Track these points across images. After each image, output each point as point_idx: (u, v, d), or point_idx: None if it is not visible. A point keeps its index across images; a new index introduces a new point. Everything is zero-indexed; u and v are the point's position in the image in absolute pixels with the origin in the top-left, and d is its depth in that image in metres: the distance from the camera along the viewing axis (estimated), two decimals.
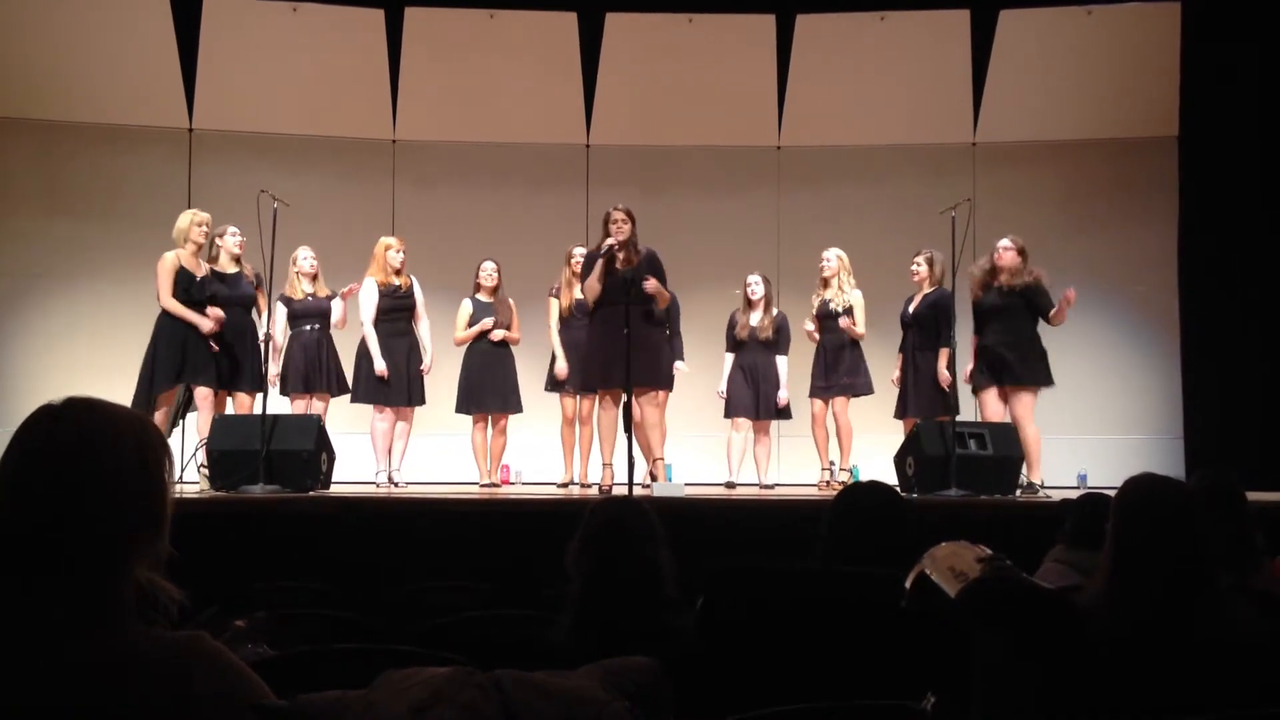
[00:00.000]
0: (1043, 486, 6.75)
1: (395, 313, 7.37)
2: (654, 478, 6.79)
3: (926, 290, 7.33)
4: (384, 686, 1.45)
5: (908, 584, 2.36)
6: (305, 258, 7.36)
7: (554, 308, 7.54)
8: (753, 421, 7.65)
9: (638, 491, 6.09)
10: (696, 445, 8.24)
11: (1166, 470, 2.74)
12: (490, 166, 9.38)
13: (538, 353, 7.80)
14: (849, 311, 7.44)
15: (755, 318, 7.63)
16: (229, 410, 6.92)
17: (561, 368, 7.42)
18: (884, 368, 7.71)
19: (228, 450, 6.36)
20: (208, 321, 6.65)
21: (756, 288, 7.65)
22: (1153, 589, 2.26)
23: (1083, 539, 3.37)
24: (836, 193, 9.41)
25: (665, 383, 6.99)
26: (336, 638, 2.72)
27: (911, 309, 7.38)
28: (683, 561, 2.58)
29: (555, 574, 2.65)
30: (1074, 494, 4.61)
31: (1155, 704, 2.05)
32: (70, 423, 1.48)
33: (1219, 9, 8.69)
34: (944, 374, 7.02)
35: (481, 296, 7.61)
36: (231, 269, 6.99)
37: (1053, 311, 6.80)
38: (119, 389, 6.58)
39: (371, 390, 7.34)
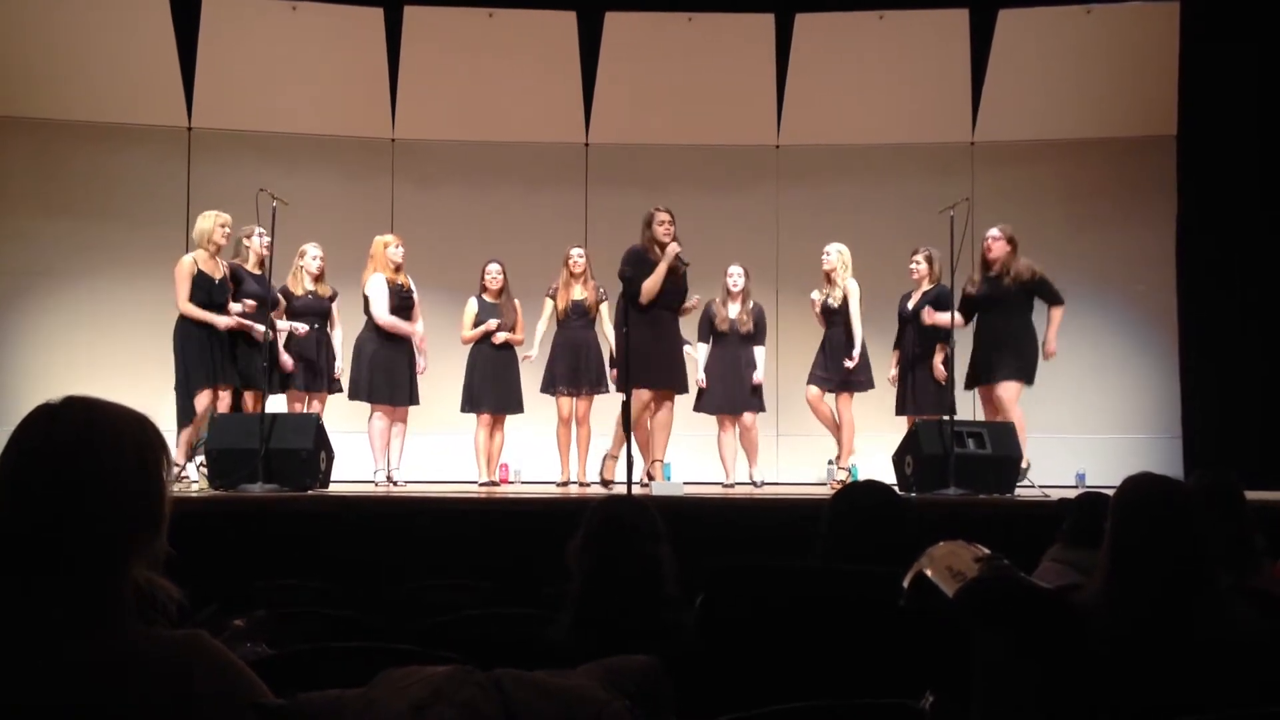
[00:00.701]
0: (1028, 468, 6.76)
1: (400, 311, 7.37)
2: (651, 477, 6.80)
3: (926, 288, 7.34)
4: (383, 685, 1.45)
5: (906, 583, 2.36)
6: (313, 256, 7.33)
7: (548, 308, 7.54)
8: (732, 416, 7.62)
9: (636, 491, 6.09)
10: (693, 444, 8.24)
11: (1165, 470, 2.74)
12: (489, 165, 9.38)
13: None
14: (844, 306, 7.43)
15: (734, 310, 7.60)
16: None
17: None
18: (882, 366, 7.71)
19: (226, 449, 6.36)
20: (225, 319, 6.66)
21: (738, 280, 7.62)
22: (1151, 588, 2.26)
23: (1081, 538, 3.37)
24: (835, 191, 9.40)
25: (684, 386, 7.18)
26: (336, 636, 2.72)
27: (911, 305, 7.39)
28: (682, 560, 2.58)
29: (554, 573, 2.65)
30: (1072, 493, 4.61)
31: (1154, 704, 2.05)
32: (68, 422, 1.48)
33: (1218, 9, 8.68)
34: (940, 370, 7.03)
35: (487, 297, 7.62)
36: (257, 270, 7.00)
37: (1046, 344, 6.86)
38: (118, 387, 6.52)
39: (371, 388, 7.33)
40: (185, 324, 6.69)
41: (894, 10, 9.20)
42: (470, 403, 7.56)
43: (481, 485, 7.46)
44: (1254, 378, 8.58)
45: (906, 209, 8.75)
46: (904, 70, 9.30)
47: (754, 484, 7.66)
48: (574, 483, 7.45)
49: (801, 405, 7.79)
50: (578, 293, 7.50)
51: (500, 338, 7.49)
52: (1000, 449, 6.52)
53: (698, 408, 7.69)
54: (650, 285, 6.78)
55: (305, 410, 7.23)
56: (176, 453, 6.54)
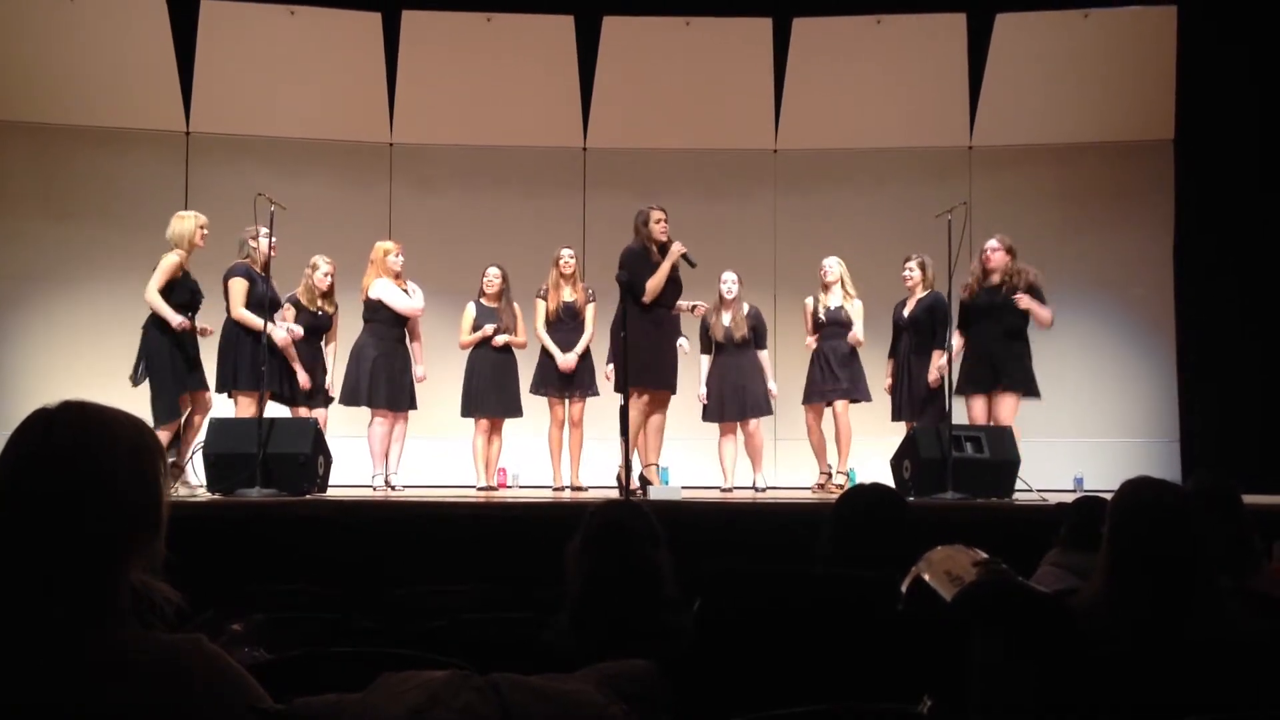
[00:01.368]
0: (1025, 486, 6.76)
1: (394, 315, 7.36)
2: (647, 481, 6.80)
3: (921, 294, 7.35)
4: (381, 689, 1.45)
5: (904, 587, 2.36)
6: (324, 273, 7.25)
7: (540, 309, 7.55)
8: (734, 424, 7.62)
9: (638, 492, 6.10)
10: (691, 448, 8.24)
11: (1163, 473, 2.74)
12: (487, 170, 9.38)
13: (529, 355, 7.76)
14: (844, 320, 7.46)
15: (727, 318, 7.57)
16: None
17: (566, 361, 7.41)
18: (880, 371, 7.71)
19: (224, 453, 6.35)
20: (177, 317, 6.51)
21: (732, 287, 7.58)
22: (1149, 591, 2.26)
23: (1079, 542, 3.37)
24: (833, 196, 9.41)
25: (674, 385, 7.11)
26: (333, 641, 2.72)
27: (907, 312, 7.39)
28: (680, 564, 2.59)
29: (551, 577, 2.65)
30: (1070, 497, 4.61)
31: (1153, 706, 2.05)
32: (65, 426, 1.48)
33: (1215, 13, 8.69)
34: (933, 374, 7.04)
35: (485, 302, 7.61)
36: (262, 273, 6.95)
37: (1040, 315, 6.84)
38: (116, 392, 6.57)
39: (370, 393, 7.32)
40: (154, 323, 6.56)
41: (891, 15, 9.21)
42: (469, 407, 7.56)
43: (480, 490, 7.46)
44: (1252, 381, 8.58)
45: (904, 213, 8.75)
46: (901, 75, 9.31)
47: (755, 489, 7.66)
48: (567, 487, 7.45)
49: (800, 410, 7.78)
50: (567, 294, 7.51)
51: (500, 340, 7.49)
52: (998, 453, 6.52)
53: (705, 418, 7.69)
54: (655, 283, 6.71)
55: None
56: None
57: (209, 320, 6.88)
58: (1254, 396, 8.54)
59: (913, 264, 7.38)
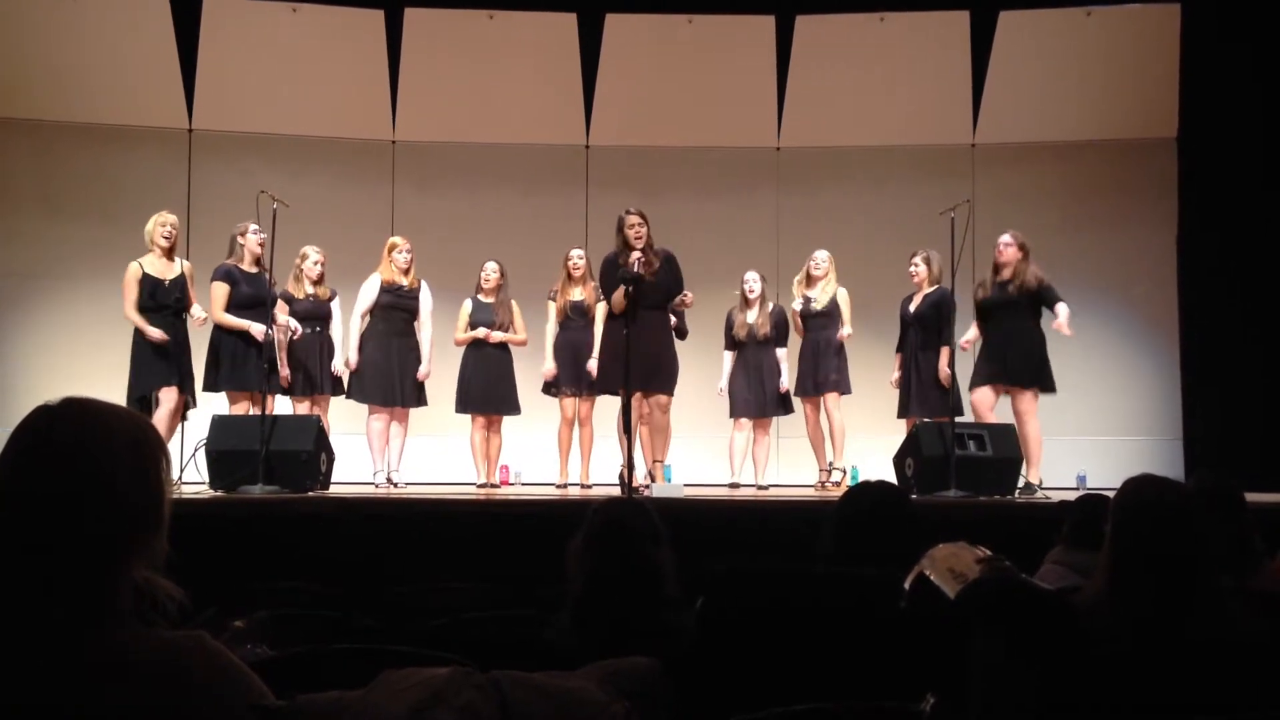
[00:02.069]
0: (1041, 486, 6.76)
1: (395, 311, 7.37)
2: (652, 479, 6.80)
3: (927, 290, 7.35)
4: (383, 687, 1.45)
5: (907, 585, 2.36)
6: (314, 261, 7.32)
7: (551, 310, 7.55)
8: (754, 420, 7.66)
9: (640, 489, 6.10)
10: (695, 446, 8.24)
11: (1165, 471, 2.74)
12: (490, 167, 9.38)
13: (536, 355, 7.77)
14: (832, 312, 7.45)
15: (752, 315, 7.65)
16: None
17: (549, 368, 7.45)
18: (884, 368, 7.72)
19: (227, 450, 6.35)
20: (156, 332, 6.60)
21: (754, 285, 7.68)
22: (1151, 590, 2.26)
23: (1082, 540, 3.37)
24: (836, 194, 9.41)
25: (672, 388, 6.92)
26: (335, 638, 2.72)
27: (913, 309, 7.39)
28: (682, 562, 2.59)
29: (553, 574, 2.65)
30: (1073, 495, 4.61)
31: (1154, 704, 2.05)
32: (67, 423, 1.48)
33: (1218, 11, 8.69)
34: (944, 372, 7.04)
35: (483, 297, 7.61)
36: (253, 269, 6.98)
37: (1055, 321, 6.82)
38: (118, 389, 6.60)
39: (367, 389, 7.33)
40: (136, 335, 6.69)
41: (894, 12, 9.21)
42: (463, 403, 7.55)
43: (480, 487, 7.46)
44: (1254, 380, 8.57)
45: (907, 211, 8.76)
46: (905, 72, 9.31)
47: (759, 487, 7.66)
48: (575, 484, 7.45)
49: (802, 409, 7.78)
50: (577, 294, 7.51)
51: (496, 338, 7.48)
52: (1001, 451, 6.52)
53: (732, 414, 7.72)
54: (615, 300, 6.49)
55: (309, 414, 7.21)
56: None
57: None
58: (1256, 395, 8.54)
59: (918, 259, 7.39)
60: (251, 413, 6.77)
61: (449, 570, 4.57)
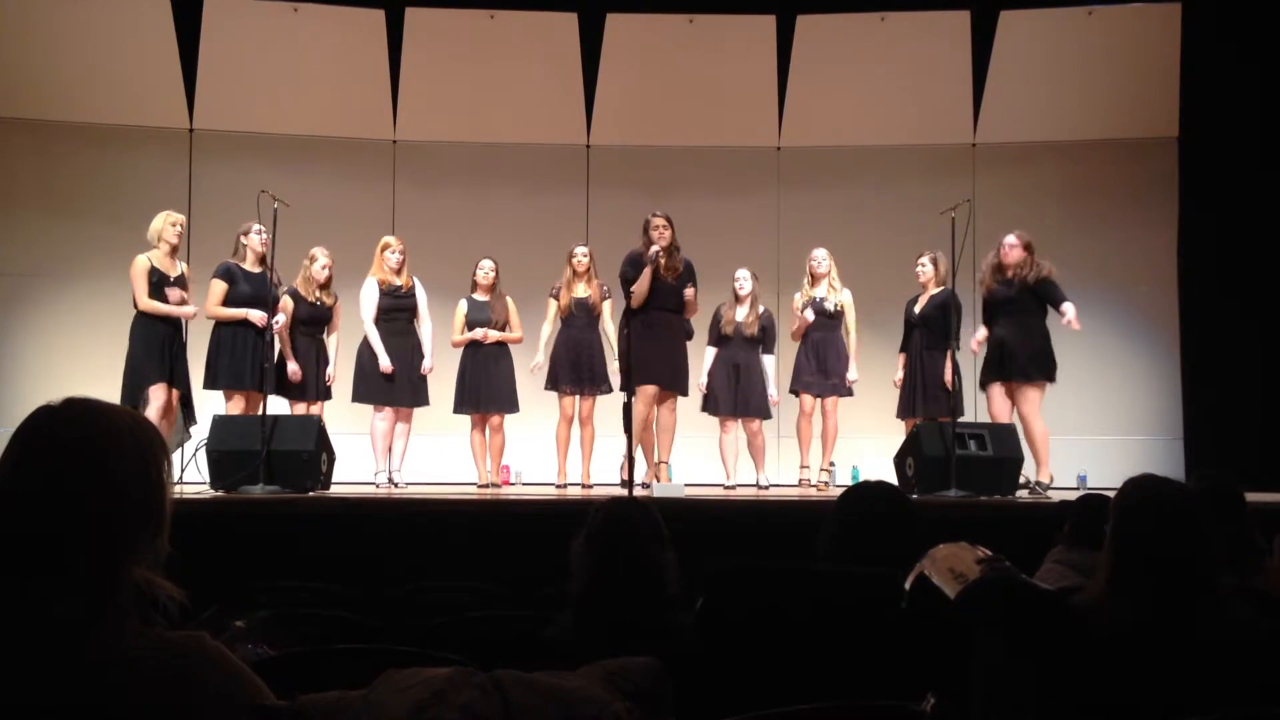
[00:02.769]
0: (1051, 486, 6.76)
1: (395, 312, 7.37)
2: (657, 478, 6.82)
3: (933, 291, 7.34)
4: (384, 687, 1.45)
5: (907, 584, 2.36)
6: (321, 265, 7.30)
7: (552, 308, 7.54)
8: (729, 419, 7.63)
9: (637, 492, 6.10)
10: (695, 446, 8.24)
11: (1166, 471, 2.74)
12: (491, 167, 9.39)
13: (532, 353, 7.76)
14: (841, 313, 7.47)
15: (741, 313, 7.62)
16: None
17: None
18: (886, 368, 7.71)
19: (228, 450, 6.35)
20: (180, 307, 6.70)
21: (745, 283, 7.65)
22: (1152, 590, 2.26)
23: (1082, 540, 3.37)
24: (836, 193, 9.41)
25: (685, 389, 7.22)
26: (337, 638, 2.73)
27: (918, 309, 7.39)
28: (683, 561, 2.59)
29: (554, 574, 2.65)
30: (1074, 494, 4.61)
31: (1155, 704, 2.05)
32: (69, 423, 1.48)
33: (1219, 10, 8.69)
34: (948, 376, 7.02)
35: (478, 295, 7.61)
36: (256, 269, 6.99)
37: (1064, 319, 6.83)
38: (119, 389, 6.60)
39: (372, 390, 7.33)
40: (139, 321, 6.71)
41: (895, 12, 9.21)
42: (461, 403, 7.55)
43: (480, 487, 7.45)
44: (1255, 379, 8.58)
45: (908, 210, 8.76)
46: (905, 72, 9.31)
47: (759, 486, 7.66)
48: (575, 484, 7.45)
49: (787, 403, 7.78)
50: (581, 290, 7.49)
51: (492, 338, 7.48)
52: (1001, 450, 6.51)
53: (704, 408, 7.71)
54: (638, 289, 6.90)
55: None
56: None
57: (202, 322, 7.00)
58: (1256, 394, 8.54)
59: (926, 260, 7.38)
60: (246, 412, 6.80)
61: (450, 570, 4.58)
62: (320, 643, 2.46)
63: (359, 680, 1.49)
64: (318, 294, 7.30)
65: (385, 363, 7.24)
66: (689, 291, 7.10)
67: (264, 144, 9.07)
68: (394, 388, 7.31)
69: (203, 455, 6.48)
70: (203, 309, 6.90)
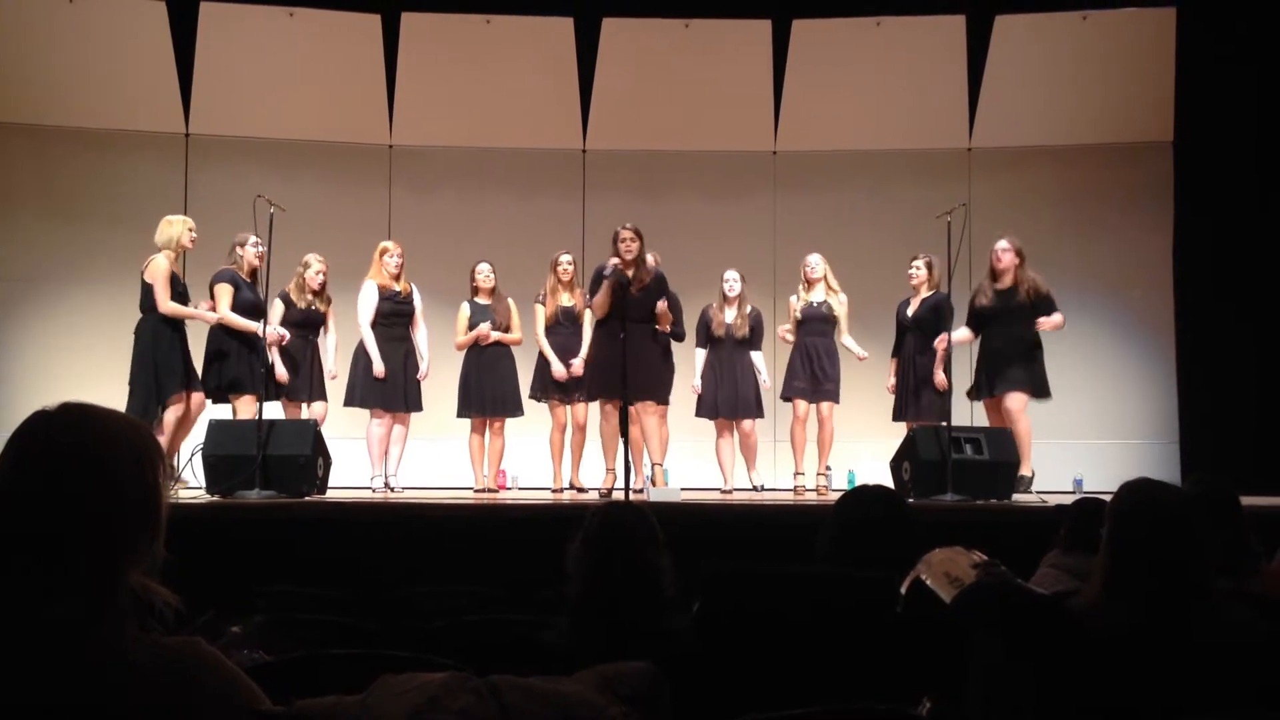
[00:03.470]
0: (1033, 478, 6.76)
1: (393, 317, 7.36)
2: (653, 483, 6.82)
3: (925, 294, 7.35)
4: (380, 691, 1.45)
5: (903, 589, 2.37)
6: (315, 270, 7.29)
7: (539, 314, 7.55)
8: (723, 421, 7.63)
9: (633, 496, 6.10)
10: (691, 450, 8.24)
11: (1161, 475, 2.74)
12: (487, 171, 9.39)
13: (529, 355, 7.76)
14: (830, 317, 7.48)
15: (730, 315, 7.62)
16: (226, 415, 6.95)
17: (559, 370, 7.41)
18: (879, 372, 7.72)
19: (224, 455, 6.35)
20: (224, 315, 6.74)
21: (734, 285, 7.64)
22: (1148, 593, 2.26)
23: (1078, 543, 3.38)
24: (832, 198, 9.42)
25: (663, 396, 7.11)
26: (333, 643, 2.72)
27: (911, 312, 7.40)
28: (679, 565, 2.59)
29: (551, 578, 2.65)
30: (1069, 498, 4.61)
31: (1151, 707, 2.05)
32: (65, 427, 1.48)
33: (1214, 14, 8.70)
34: (939, 377, 7.03)
35: (480, 299, 7.62)
36: (249, 279, 7.02)
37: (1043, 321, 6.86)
38: (116, 394, 6.59)
39: (367, 394, 7.33)
40: (156, 325, 6.69)
41: (891, 17, 9.21)
42: (464, 407, 7.55)
43: (477, 492, 7.45)
44: (1250, 383, 8.59)
45: (903, 215, 8.77)
46: (901, 76, 9.32)
47: (755, 488, 7.66)
48: (569, 489, 7.45)
49: (780, 407, 7.78)
50: (565, 299, 7.51)
51: (493, 336, 7.48)
52: (998, 454, 6.52)
53: (698, 413, 7.71)
54: (596, 302, 6.89)
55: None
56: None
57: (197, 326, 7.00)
58: (1252, 398, 8.55)
59: (919, 263, 7.39)
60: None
61: (446, 574, 4.57)
62: (316, 648, 2.46)
63: (355, 685, 1.49)
64: (310, 299, 7.30)
65: (379, 367, 7.23)
66: (660, 305, 6.93)
67: (260, 149, 9.06)
68: (390, 392, 7.30)
69: (199, 460, 6.48)
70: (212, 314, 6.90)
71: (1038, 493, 6.71)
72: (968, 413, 7.68)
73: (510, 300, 7.65)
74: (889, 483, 6.56)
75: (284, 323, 7.19)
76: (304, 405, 7.26)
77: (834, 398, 7.50)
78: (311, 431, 6.63)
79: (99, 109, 8.85)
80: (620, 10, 9.27)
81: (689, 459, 8.28)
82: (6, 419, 7.36)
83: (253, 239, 6.90)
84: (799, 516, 5.93)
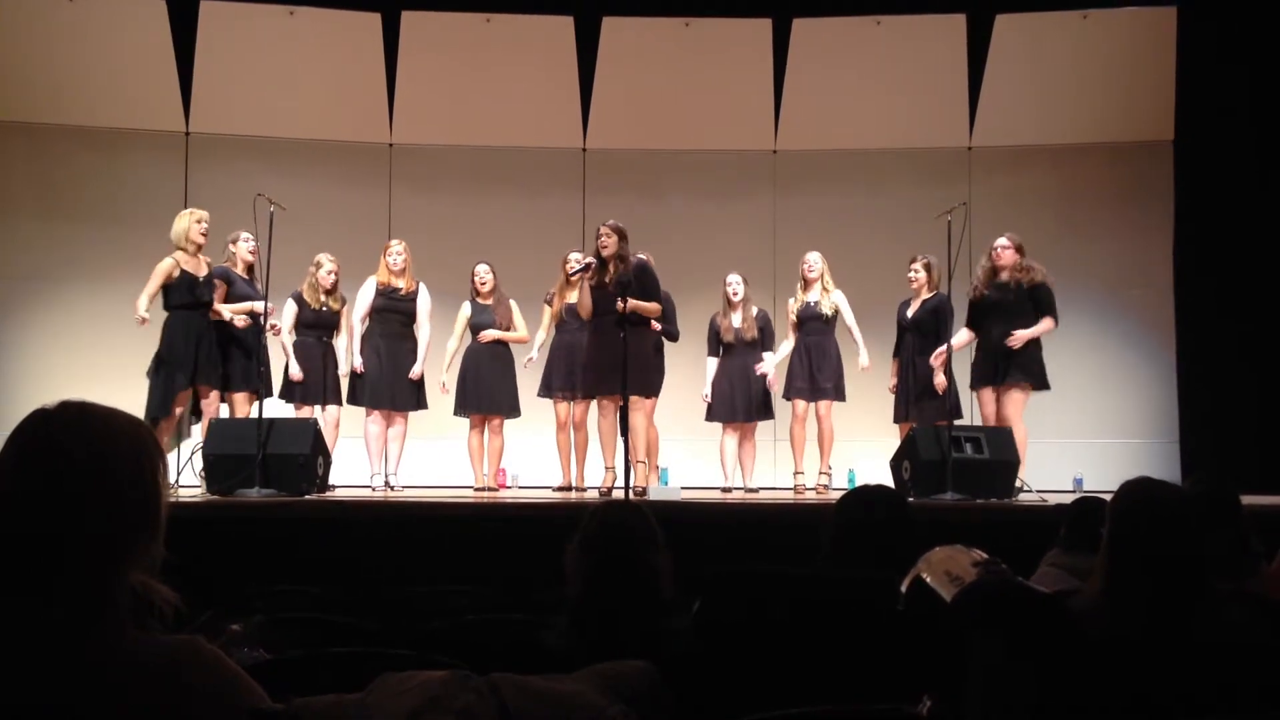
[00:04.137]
0: (1025, 488, 6.77)
1: (389, 313, 7.36)
2: (634, 478, 6.80)
3: (925, 295, 7.35)
4: (380, 690, 1.45)
5: (904, 588, 2.37)
6: (327, 270, 7.31)
7: (546, 313, 7.56)
8: (741, 424, 7.65)
9: (633, 496, 6.09)
10: (690, 449, 8.24)
11: (1162, 474, 2.74)
12: (487, 171, 9.38)
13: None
14: (835, 316, 7.46)
15: (737, 319, 7.63)
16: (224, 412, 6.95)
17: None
18: (880, 372, 7.72)
19: (224, 454, 6.35)
20: (244, 311, 6.78)
21: (738, 288, 7.65)
22: (1148, 593, 2.26)
23: (1079, 543, 3.37)
24: (833, 197, 9.41)
25: (650, 391, 6.92)
26: (333, 642, 2.72)
27: (911, 313, 7.39)
28: (679, 565, 2.58)
29: (551, 578, 2.64)
30: (1069, 498, 4.61)
31: (1152, 708, 2.05)
32: (65, 426, 1.48)
33: (1215, 14, 8.69)
34: (940, 379, 7.03)
35: (479, 300, 7.62)
36: (245, 275, 7.02)
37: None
38: (116, 392, 6.52)
39: (360, 393, 7.32)
40: (169, 320, 6.76)
41: (891, 16, 9.21)
42: (462, 405, 7.55)
43: (477, 491, 7.45)
44: (1250, 382, 8.58)
45: (904, 214, 8.76)
46: (901, 75, 9.31)
47: (746, 490, 7.66)
48: (573, 487, 7.45)
49: (781, 407, 7.79)
50: (573, 297, 7.50)
51: (490, 335, 7.48)
52: (998, 454, 6.51)
53: (710, 418, 7.71)
54: (579, 302, 6.85)
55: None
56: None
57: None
58: (1252, 397, 8.54)
59: (918, 265, 7.39)
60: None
61: (446, 573, 4.57)
62: (316, 647, 2.46)
63: (355, 684, 1.49)
64: (323, 299, 7.30)
65: (355, 363, 7.27)
66: (619, 305, 6.48)
67: (260, 147, 9.05)
68: (385, 391, 7.29)
69: (199, 458, 6.48)
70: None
71: (1038, 492, 6.70)
72: (968, 412, 7.68)
73: (511, 301, 7.65)
74: (889, 483, 6.56)
75: (298, 324, 7.21)
76: (318, 409, 7.24)
77: (832, 396, 7.49)
78: (311, 430, 6.63)
79: (99, 107, 8.85)
80: (620, 9, 9.27)
81: (689, 459, 8.29)
82: (6, 419, 7.32)
83: (245, 235, 6.93)
84: (799, 516, 5.92)
